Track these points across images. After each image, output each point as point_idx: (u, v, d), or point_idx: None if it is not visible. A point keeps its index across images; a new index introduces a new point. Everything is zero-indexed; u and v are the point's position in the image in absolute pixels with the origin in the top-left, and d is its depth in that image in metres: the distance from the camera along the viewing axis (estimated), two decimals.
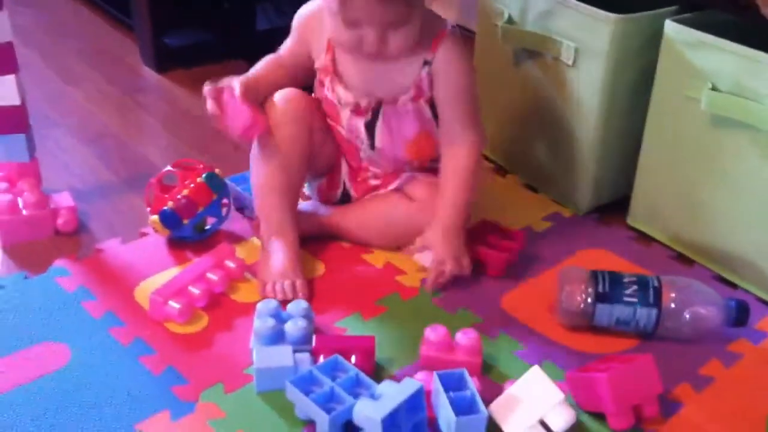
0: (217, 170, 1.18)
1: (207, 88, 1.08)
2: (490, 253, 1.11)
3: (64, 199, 1.19)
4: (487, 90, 1.35)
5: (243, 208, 1.23)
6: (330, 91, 1.12)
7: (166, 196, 1.13)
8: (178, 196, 1.12)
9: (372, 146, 1.13)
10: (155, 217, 1.12)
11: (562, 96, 1.23)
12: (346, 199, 1.19)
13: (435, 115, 1.12)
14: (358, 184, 1.19)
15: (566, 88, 1.22)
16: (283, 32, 1.17)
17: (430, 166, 1.16)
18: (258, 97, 1.11)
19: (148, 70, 1.66)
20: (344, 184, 1.19)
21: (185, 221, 1.12)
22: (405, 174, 1.15)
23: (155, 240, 1.16)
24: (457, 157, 1.10)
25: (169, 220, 1.12)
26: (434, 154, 1.15)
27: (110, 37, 1.80)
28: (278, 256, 1.09)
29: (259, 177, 1.12)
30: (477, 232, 1.15)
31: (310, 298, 1.06)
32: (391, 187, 1.16)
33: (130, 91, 1.60)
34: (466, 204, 1.10)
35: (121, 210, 1.24)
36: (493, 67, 1.33)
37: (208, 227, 1.16)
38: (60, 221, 1.17)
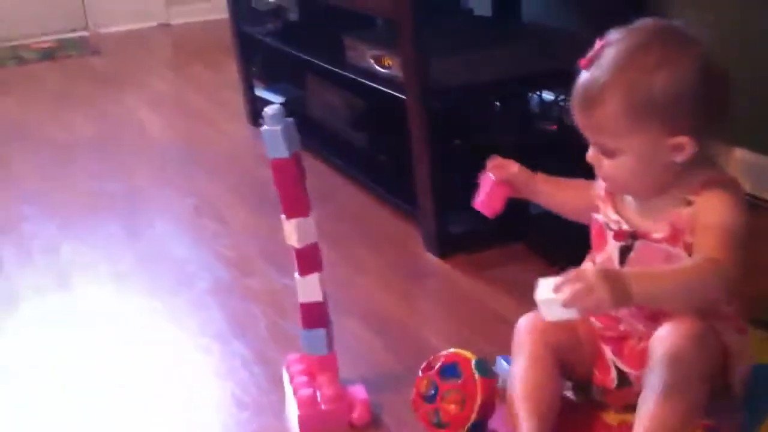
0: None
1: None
2: None
3: (358, 392, 1.22)
4: None
5: None
6: (602, 214, 1.10)
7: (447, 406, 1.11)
8: (476, 407, 1.10)
9: None
10: None
11: None
12: (623, 381, 1.08)
13: None
14: (626, 355, 1.09)
15: None
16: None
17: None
18: (531, 188, 1.17)
19: (430, 255, 1.71)
20: (614, 363, 1.09)
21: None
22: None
23: None
24: (699, 259, 0.98)
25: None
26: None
27: (392, 224, 1.89)
28: None
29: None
30: None
31: None
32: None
33: (413, 276, 1.65)
34: (657, 281, 0.96)
35: (409, 401, 1.24)
36: None
37: None
38: (355, 415, 1.19)
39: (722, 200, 1.01)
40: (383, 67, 1.89)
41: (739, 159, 1.81)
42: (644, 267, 1.03)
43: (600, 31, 1.06)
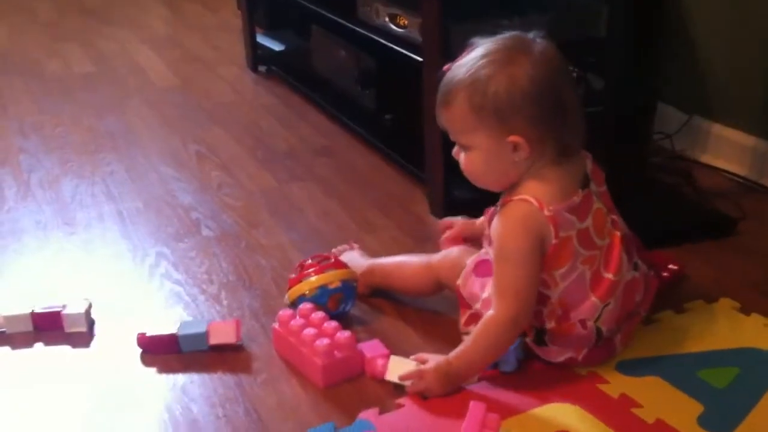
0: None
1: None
2: None
3: (378, 346, 1.27)
4: None
5: None
6: None
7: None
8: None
9: None
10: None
11: None
12: None
13: None
14: None
15: None
16: None
17: None
18: (477, 232, 1.38)
19: (434, 219, 1.73)
20: None
21: None
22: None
23: (449, 400, 1.17)
24: (485, 318, 1.16)
25: None
26: None
27: (396, 184, 1.91)
28: None
29: None
30: None
31: None
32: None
33: (419, 239, 1.67)
34: (468, 356, 1.17)
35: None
36: None
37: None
38: (380, 368, 1.23)
39: (501, 225, 1.17)
40: (398, 26, 1.88)
41: (736, 142, 1.84)
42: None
43: None
